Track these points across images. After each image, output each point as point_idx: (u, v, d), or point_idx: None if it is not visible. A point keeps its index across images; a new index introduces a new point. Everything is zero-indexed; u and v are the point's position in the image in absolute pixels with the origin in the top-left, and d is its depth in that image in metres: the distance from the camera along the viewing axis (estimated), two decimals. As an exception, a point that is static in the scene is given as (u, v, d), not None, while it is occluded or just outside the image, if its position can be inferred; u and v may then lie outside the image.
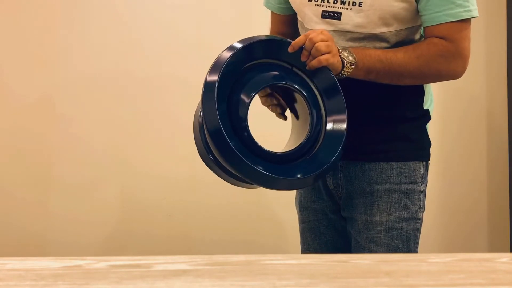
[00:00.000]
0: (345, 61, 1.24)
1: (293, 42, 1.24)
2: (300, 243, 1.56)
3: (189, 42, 2.40)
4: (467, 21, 1.29)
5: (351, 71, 1.26)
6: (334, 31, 1.33)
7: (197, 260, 0.73)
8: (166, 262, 0.73)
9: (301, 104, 1.29)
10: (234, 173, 1.22)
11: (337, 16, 1.31)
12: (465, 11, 1.27)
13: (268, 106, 1.37)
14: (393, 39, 1.33)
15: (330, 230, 1.49)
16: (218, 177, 1.33)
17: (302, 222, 1.53)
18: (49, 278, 0.66)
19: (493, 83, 2.55)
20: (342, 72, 1.25)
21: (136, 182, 2.38)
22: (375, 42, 1.32)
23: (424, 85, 1.41)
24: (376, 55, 1.28)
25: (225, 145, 1.15)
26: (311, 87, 1.27)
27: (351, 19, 1.31)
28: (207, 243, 2.38)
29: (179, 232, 2.38)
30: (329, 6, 1.32)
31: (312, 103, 1.26)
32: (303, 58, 1.24)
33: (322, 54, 1.22)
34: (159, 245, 2.37)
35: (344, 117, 1.25)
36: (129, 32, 2.39)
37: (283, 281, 0.65)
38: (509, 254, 0.78)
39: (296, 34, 1.47)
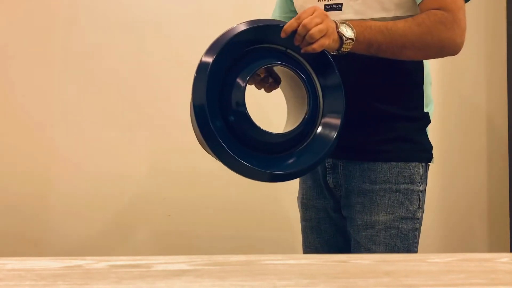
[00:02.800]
0: (344, 38, 1.21)
1: (285, 26, 1.19)
2: (302, 241, 1.56)
3: (189, 42, 2.40)
4: None
5: (350, 46, 1.22)
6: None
7: (197, 260, 0.73)
8: (166, 262, 0.73)
9: (298, 87, 1.26)
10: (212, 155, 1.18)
11: (338, 7, 1.35)
12: None
13: (261, 88, 1.35)
14: None
15: (331, 228, 1.49)
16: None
17: (304, 220, 1.54)
18: (49, 278, 0.66)
19: (493, 84, 2.54)
20: (342, 49, 1.22)
21: (135, 182, 2.38)
22: None
23: (424, 87, 1.41)
24: (376, 26, 1.24)
25: (205, 125, 1.13)
26: (307, 68, 1.26)
27: (351, 8, 1.34)
28: (207, 242, 2.38)
29: (179, 232, 2.38)
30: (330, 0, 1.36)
31: (308, 83, 1.24)
32: (296, 43, 1.20)
33: (317, 39, 1.18)
34: (159, 245, 2.37)
35: (340, 108, 1.24)
36: (128, 32, 2.39)
37: (283, 281, 0.65)
38: (509, 254, 0.78)
39: None
